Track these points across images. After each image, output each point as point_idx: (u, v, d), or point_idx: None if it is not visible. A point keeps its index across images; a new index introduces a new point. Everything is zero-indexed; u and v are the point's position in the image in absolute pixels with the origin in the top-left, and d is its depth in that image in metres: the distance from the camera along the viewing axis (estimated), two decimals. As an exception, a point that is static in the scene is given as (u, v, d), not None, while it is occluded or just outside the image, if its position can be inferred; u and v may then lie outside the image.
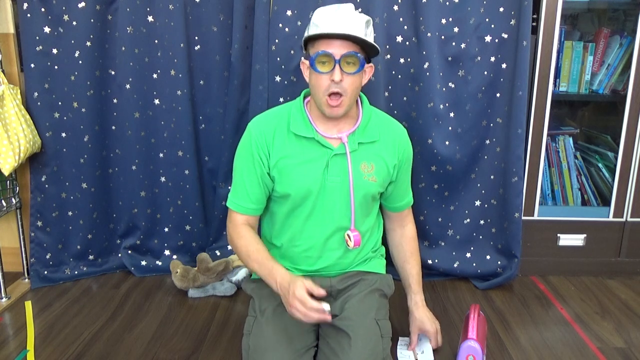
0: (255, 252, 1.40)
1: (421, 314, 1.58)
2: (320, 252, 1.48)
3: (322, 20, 1.34)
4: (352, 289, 1.49)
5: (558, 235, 2.14)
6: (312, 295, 1.26)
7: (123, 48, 1.96)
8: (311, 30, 1.37)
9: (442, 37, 1.94)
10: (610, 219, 2.12)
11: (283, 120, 1.44)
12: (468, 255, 2.12)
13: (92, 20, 1.93)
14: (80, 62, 1.95)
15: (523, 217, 2.06)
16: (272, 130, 1.43)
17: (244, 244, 1.43)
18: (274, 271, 1.34)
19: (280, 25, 1.93)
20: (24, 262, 2.09)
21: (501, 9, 1.91)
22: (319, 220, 1.45)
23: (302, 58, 1.45)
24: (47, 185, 2.02)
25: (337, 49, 1.32)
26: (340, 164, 1.42)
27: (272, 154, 1.42)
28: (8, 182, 1.99)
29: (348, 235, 1.45)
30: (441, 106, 1.98)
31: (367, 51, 1.38)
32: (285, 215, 1.48)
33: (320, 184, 1.42)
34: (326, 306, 1.25)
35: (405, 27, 1.95)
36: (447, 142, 2.02)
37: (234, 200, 1.48)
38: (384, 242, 1.68)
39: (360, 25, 1.34)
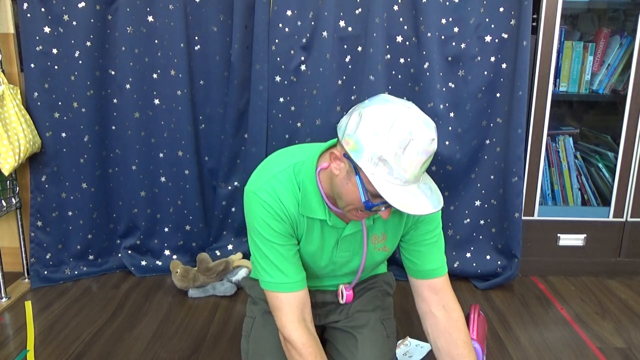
0: None
1: None
2: (319, 288, 1.44)
3: (407, 179, 1.02)
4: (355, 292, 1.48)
5: (558, 235, 2.14)
6: None
7: (123, 48, 1.96)
8: (390, 187, 1.01)
9: (442, 37, 1.94)
10: (610, 219, 2.12)
11: (291, 198, 1.20)
12: (468, 255, 2.12)
13: (92, 20, 1.93)
14: (80, 62, 1.95)
15: (523, 217, 2.06)
16: (280, 202, 1.19)
17: None
18: None
19: (280, 25, 1.93)
20: (24, 262, 2.09)
21: (501, 9, 1.91)
22: (321, 279, 1.40)
23: (340, 151, 1.07)
24: (47, 185, 2.02)
25: None
26: (350, 241, 1.28)
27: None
28: (8, 182, 1.99)
29: (341, 290, 1.37)
30: (441, 106, 1.98)
31: None
32: None
33: (328, 260, 1.32)
34: None
35: (405, 27, 1.95)
36: (447, 142, 2.02)
37: (273, 281, 1.21)
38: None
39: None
